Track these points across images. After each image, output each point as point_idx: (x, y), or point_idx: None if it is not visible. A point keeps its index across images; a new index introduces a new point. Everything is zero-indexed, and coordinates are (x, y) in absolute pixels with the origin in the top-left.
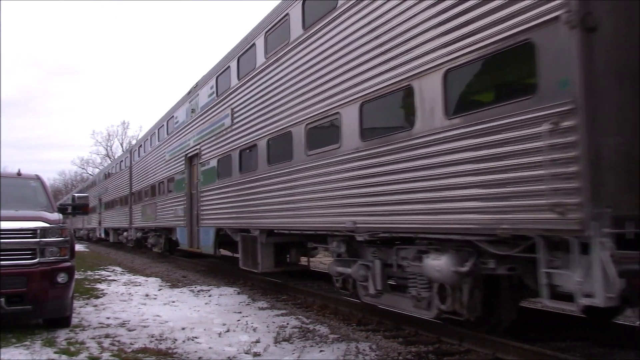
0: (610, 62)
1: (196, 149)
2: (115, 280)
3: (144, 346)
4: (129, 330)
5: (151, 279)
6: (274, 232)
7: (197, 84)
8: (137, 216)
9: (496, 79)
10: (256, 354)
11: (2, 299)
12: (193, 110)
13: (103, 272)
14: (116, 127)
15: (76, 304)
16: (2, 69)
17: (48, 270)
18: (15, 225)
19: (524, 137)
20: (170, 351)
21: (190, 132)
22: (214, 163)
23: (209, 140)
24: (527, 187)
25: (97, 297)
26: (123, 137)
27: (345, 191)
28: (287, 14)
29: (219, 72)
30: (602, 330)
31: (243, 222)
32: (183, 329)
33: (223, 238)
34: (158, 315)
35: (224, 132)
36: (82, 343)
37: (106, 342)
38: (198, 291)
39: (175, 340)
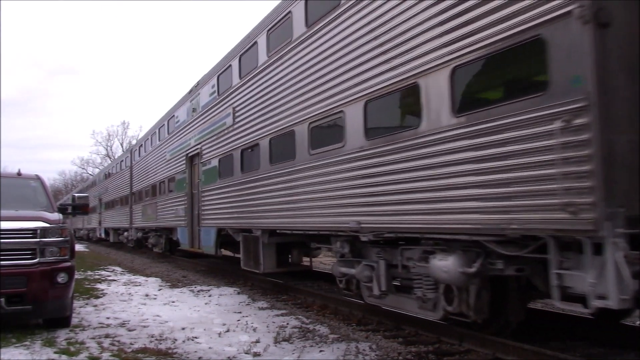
0: (622, 58)
1: (197, 149)
2: (115, 280)
3: (144, 346)
4: (129, 330)
5: (151, 279)
6: (276, 232)
7: (198, 83)
8: (138, 216)
9: (505, 76)
10: (256, 354)
11: (2, 299)
12: (194, 110)
13: (103, 272)
14: (116, 127)
15: (76, 304)
16: (2, 69)
17: (48, 270)
18: (15, 225)
19: (534, 135)
20: (170, 351)
21: (191, 131)
22: (215, 162)
23: (210, 140)
24: (537, 186)
25: (97, 297)
26: (123, 137)
27: (349, 190)
28: (289, 12)
29: (221, 71)
30: (602, 330)
31: (245, 222)
32: (183, 329)
33: (224, 238)
34: (158, 315)
35: (226, 132)
36: (82, 343)
37: (106, 342)
38: (198, 291)
39: (175, 340)
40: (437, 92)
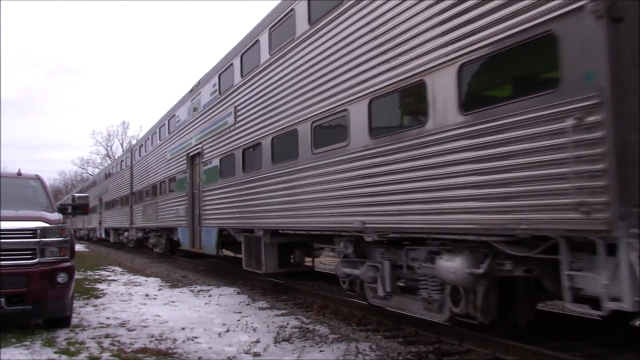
0: (635, 53)
1: (198, 148)
2: (115, 280)
3: (144, 346)
4: (129, 330)
5: (151, 279)
6: (278, 233)
7: (199, 82)
8: (138, 216)
9: (515, 72)
10: (256, 354)
11: (2, 299)
12: (195, 109)
13: (103, 272)
14: (116, 127)
15: (76, 304)
16: (2, 69)
17: (48, 270)
18: (15, 225)
19: (545, 133)
20: (170, 351)
21: (192, 130)
22: (216, 162)
23: (211, 139)
24: (548, 185)
25: (97, 297)
26: (123, 137)
27: (354, 190)
28: (292, 9)
29: (222, 69)
30: (602, 330)
31: (246, 222)
32: (183, 329)
33: (225, 238)
34: (158, 315)
35: (227, 131)
36: (82, 343)
37: (106, 342)
38: (198, 291)
39: (175, 340)
40: (443, 90)
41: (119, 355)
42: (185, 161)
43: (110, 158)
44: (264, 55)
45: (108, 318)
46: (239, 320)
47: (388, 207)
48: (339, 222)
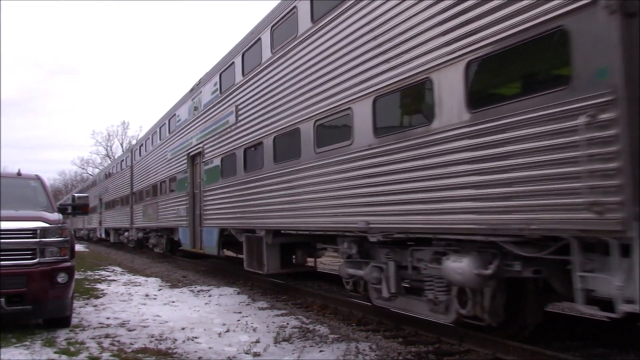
0: None
1: (199, 148)
2: (115, 280)
3: (144, 346)
4: (129, 330)
5: (151, 279)
6: (280, 233)
7: (199, 81)
8: (138, 216)
9: (524, 69)
10: (256, 354)
11: (2, 299)
12: (196, 108)
13: (103, 272)
14: (116, 127)
15: (76, 304)
16: (2, 69)
17: (48, 270)
18: (15, 225)
19: (556, 131)
20: (170, 351)
21: (192, 130)
22: (217, 162)
23: (212, 139)
24: (560, 184)
25: (97, 297)
26: (123, 137)
27: (358, 190)
28: (294, 7)
29: (223, 68)
30: (602, 330)
31: (248, 222)
32: (183, 329)
33: (227, 238)
34: (158, 315)
35: (228, 130)
36: (82, 343)
37: (106, 342)
38: (198, 291)
39: (175, 340)
40: (451, 87)
41: (119, 355)
42: (185, 161)
43: (110, 158)
44: (266, 53)
45: (108, 318)
46: (239, 320)
47: (393, 206)
48: (342, 222)
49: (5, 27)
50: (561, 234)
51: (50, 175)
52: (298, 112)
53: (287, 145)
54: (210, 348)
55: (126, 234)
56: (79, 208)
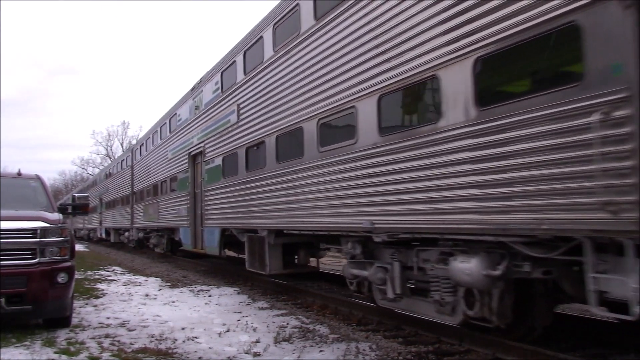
0: None
1: (200, 147)
2: (115, 280)
3: (144, 346)
4: (129, 330)
5: (151, 279)
6: (282, 233)
7: (201, 80)
8: (139, 216)
9: (535, 66)
10: (256, 354)
11: (2, 299)
12: (197, 107)
13: (103, 272)
14: (116, 127)
15: (76, 304)
16: (2, 69)
17: (48, 270)
18: (15, 225)
19: (567, 129)
20: (170, 351)
21: (193, 129)
22: (218, 161)
23: (213, 138)
24: (571, 183)
25: (97, 297)
26: (123, 137)
27: (362, 189)
28: (297, 5)
29: (224, 67)
30: (602, 330)
31: (250, 222)
32: (183, 329)
33: (228, 238)
34: (158, 315)
35: (230, 129)
36: (82, 343)
37: (106, 342)
38: (198, 291)
39: (175, 340)
40: (459, 85)
41: (119, 355)
42: (186, 160)
43: (110, 158)
44: (268, 51)
45: (108, 318)
46: (239, 320)
47: (399, 206)
48: (346, 222)
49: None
50: (574, 234)
51: (50, 175)
52: (301, 111)
53: (289, 144)
54: (210, 348)
55: (127, 233)
56: (79, 208)
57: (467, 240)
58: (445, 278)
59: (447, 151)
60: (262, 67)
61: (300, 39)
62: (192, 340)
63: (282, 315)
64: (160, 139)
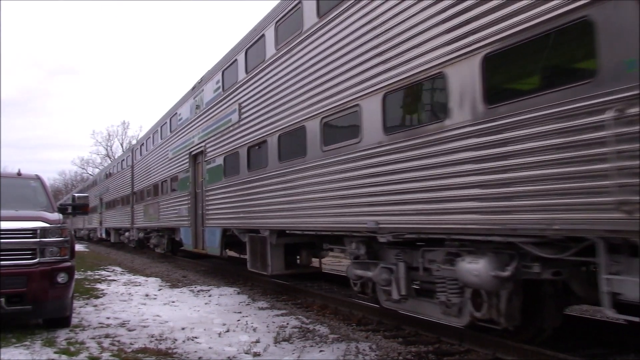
0: None
1: (201, 147)
2: (115, 280)
3: (144, 346)
4: (129, 330)
5: (151, 279)
6: (284, 233)
7: (201, 79)
8: (139, 216)
9: (546, 62)
10: (256, 354)
11: (2, 299)
12: (198, 107)
13: (103, 272)
14: (116, 127)
15: (76, 304)
16: (2, 69)
17: (48, 270)
18: (15, 225)
19: (580, 126)
20: (170, 351)
21: (194, 129)
22: (220, 161)
23: (214, 137)
24: (584, 182)
25: (97, 297)
26: (123, 137)
27: (367, 189)
28: (299, 2)
29: (225, 66)
30: (602, 330)
31: (252, 222)
32: (183, 329)
33: (229, 239)
34: (158, 315)
35: (231, 129)
36: (82, 343)
37: (106, 342)
38: (198, 291)
39: (175, 340)
40: (466, 82)
41: (119, 355)
42: (187, 160)
43: (110, 158)
44: (270, 50)
45: (108, 318)
46: (239, 320)
47: (404, 206)
48: (350, 222)
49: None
50: (587, 234)
51: (50, 175)
52: (304, 110)
53: (292, 143)
54: (210, 348)
55: (127, 234)
56: (79, 208)
57: (474, 240)
58: (451, 279)
59: (454, 150)
60: (264, 65)
61: (303, 37)
62: (192, 340)
63: (282, 315)
64: (161, 138)
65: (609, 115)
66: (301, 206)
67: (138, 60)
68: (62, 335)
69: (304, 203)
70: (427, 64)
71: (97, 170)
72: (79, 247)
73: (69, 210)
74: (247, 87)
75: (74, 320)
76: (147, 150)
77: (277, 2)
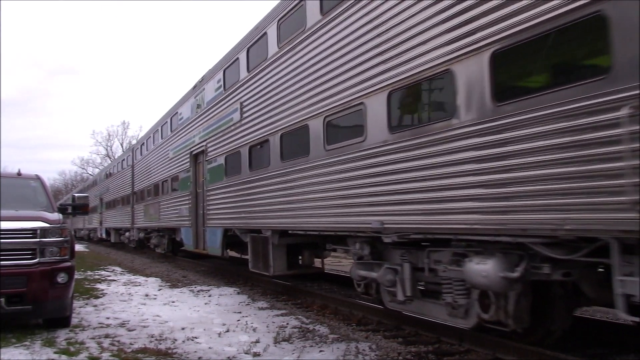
0: None
1: (202, 146)
2: (115, 280)
3: (143, 346)
4: (129, 330)
5: (151, 279)
6: (287, 233)
7: (202, 78)
8: (140, 216)
9: (558, 58)
10: (256, 354)
11: (2, 299)
12: (199, 106)
13: (103, 272)
14: (116, 127)
15: (76, 304)
16: (2, 69)
17: (48, 270)
18: (15, 225)
19: (594, 124)
20: (170, 351)
21: (195, 128)
22: (221, 160)
23: (216, 137)
24: (599, 182)
25: (97, 297)
26: (123, 137)
27: (371, 188)
28: (302, 0)
29: (227, 64)
30: (602, 330)
31: (254, 222)
32: (183, 329)
33: (230, 239)
34: (158, 315)
35: (233, 128)
36: (82, 343)
37: (106, 342)
38: (198, 291)
39: (175, 340)
40: (474, 79)
41: (119, 355)
42: (188, 160)
43: (110, 158)
44: (272, 48)
45: (108, 318)
46: (238, 320)
47: (410, 206)
48: (354, 222)
49: (5, 27)
50: (600, 235)
51: (50, 175)
52: (306, 108)
53: (294, 142)
54: (210, 348)
55: (127, 234)
56: (79, 208)
57: (481, 240)
58: (458, 280)
59: (461, 148)
60: (266, 64)
61: (306, 35)
62: (192, 340)
63: (282, 315)
64: (162, 138)
65: (623, 112)
66: (304, 206)
67: (138, 60)
68: (62, 335)
69: (307, 203)
70: (434, 60)
71: (97, 170)
72: (79, 247)
73: (69, 210)
74: (249, 86)
75: (74, 320)
76: (147, 150)
77: (279, 1)
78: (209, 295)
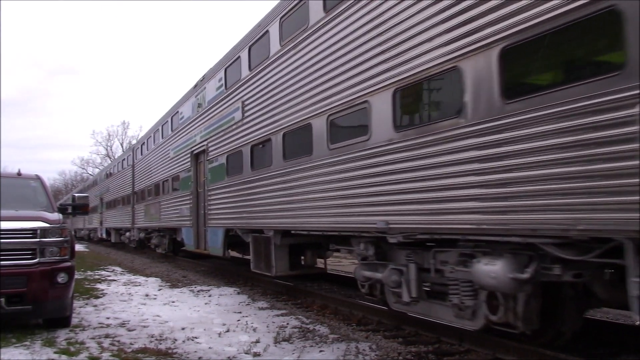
0: None
1: (203, 146)
2: (115, 280)
3: (143, 346)
4: (129, 330)
5: (151, 279)
6: (289, 233)
7: (204, 77)
8: (140, 216)
9: (569, 54)
10: (256, 354)
11: (2, 299)
12: (199, 105)
13: (103, 272)
14: (116, 127)
15: (76, 304)
16: (2, 69)
17: (48, 270)
18: (15, 225)
19: (608, 121)
20: (170, 351)
21: (196, 127)
22: (222, 160)
23: (217, 136)
24: (612, 180)
25: (97, 297)
26: (123, 137)
27: (376, 188)
28: None
29: (228, 63)
30: (602, 330)
31: (255, 222)
32: (183, 329)
33: (231, 239)
34: (158, 315)
35: (234, 127)
36: (82, 343)
37: (106, 342)
38: (198, 291)
39: (175, 340)
40: (483, 76)
41: (119, 355)
42: (189, 159)
43: (110, 158)
44: (274, 46)
45: (108, 318)
46: (239, 320)
47: (416, 205)
48: (359, 222)
49: (5, 27)
50: (614, 235)
51: (50, 175)
52: (309, 107)
53: (297, 141)
54: (210, 348)
55: (127, 234)
56: (79, 208)
57: (489, 241)
58: (465, 281)
59: (469, 147)
60: (268, 62)
61: (309, 32)
62: (192, 340)
63: (282, 315)
64: (162, 137)
65: (638, 109)
66: (307, 206)
67: (138, 60)
68: (62, 335)
69: (310, 203)
70: (441, 57)
71: (97, 170)
72: (79, 247)
73: (69, 210)
74: (251, 85)
75: (74, 320)
76: (148, 150)
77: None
78: (209, 295)
